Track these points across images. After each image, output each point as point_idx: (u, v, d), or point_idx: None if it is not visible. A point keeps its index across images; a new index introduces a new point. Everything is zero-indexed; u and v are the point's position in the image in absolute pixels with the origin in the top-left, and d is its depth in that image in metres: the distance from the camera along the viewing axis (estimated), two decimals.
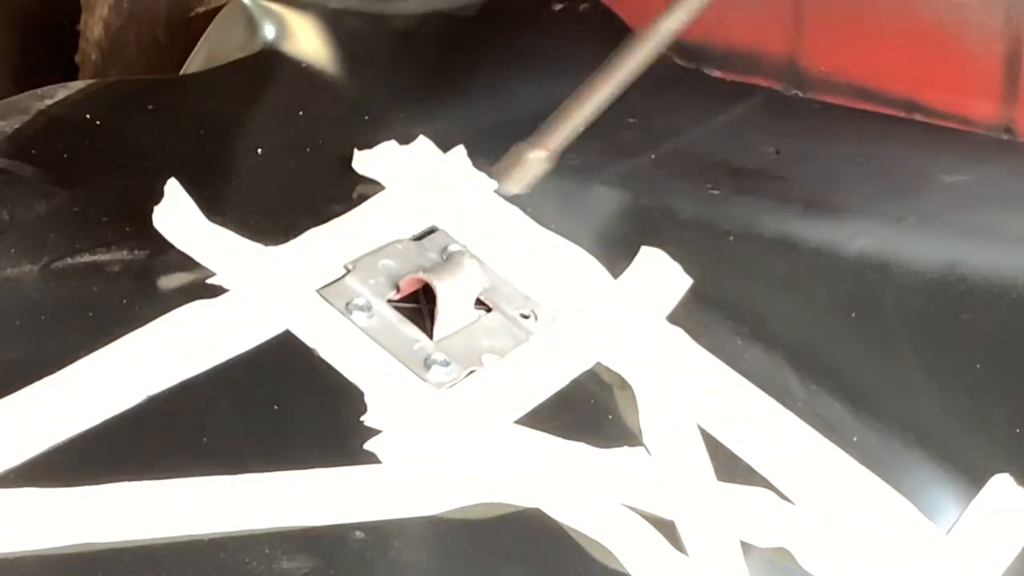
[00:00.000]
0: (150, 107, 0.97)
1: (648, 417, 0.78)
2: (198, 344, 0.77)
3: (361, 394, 0.76)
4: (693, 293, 0.86)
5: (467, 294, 0.82)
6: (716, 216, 0.94)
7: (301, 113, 0.99)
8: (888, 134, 1.01)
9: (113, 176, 0.91)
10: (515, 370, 0.80)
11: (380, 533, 0.69)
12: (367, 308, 0.82)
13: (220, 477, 0.70)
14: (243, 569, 0.66)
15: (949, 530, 0.75)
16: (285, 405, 0.75)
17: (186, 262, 0.83)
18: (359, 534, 0.69)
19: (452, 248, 0.87)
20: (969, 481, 0.78)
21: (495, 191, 0.91)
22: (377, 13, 1.08)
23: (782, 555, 0.73)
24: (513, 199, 0.92)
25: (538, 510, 0.72)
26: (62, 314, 0.79)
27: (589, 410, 0.79)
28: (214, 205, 0.87)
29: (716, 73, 1.07)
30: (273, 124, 0.98)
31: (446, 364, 0.79)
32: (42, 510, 0.67)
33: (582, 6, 1.12)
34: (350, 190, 0.91)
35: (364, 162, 0.93)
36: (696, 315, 0.85)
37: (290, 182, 0.93)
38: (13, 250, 0.82)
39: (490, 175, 0.90)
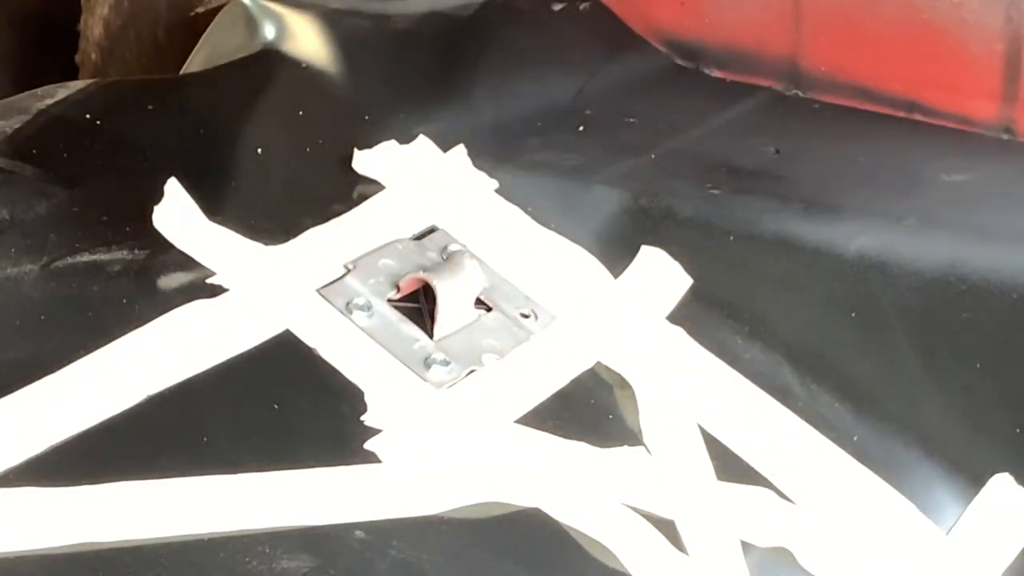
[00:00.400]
0: (150, 107, 0.97)
1: (648, 417, 0.78)
2: (198, 344, 0.77)
3: (361, 393, 0.76)
4: (693, 293, 0.87)
5: (467, 294, 0.82)
6: (716, 216, 0.94)
7: (301, 113, 0.99)
8: (888, 134, 1.01)
9: (113, 176, 0.90)
10: (515, 370, 0.80)
11: (380, 533, 0.69)
12: (367, 308, 0.82)
13: (220, 477, 0.69)
14: (243, 569, 0.66)
15: (949, 530, 0.75)
16: (285, 405, 0.75)
17: (186, 262, 0.83)
18: (359, 534, 0.69)
19: (452, 248, 0.87)
20: (969, 481, 0.78)
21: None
22: (377, 13, 1.08)
23: (782, 555, 0.73)
24: (513, 199, 0.92)
25: (538, 510, 0.72)
26: (62, 314, 0.79)
27: (589, 410, 0.79)
28: (214, 205, 0.87)
29: (716, 73, 1.07)
30: (273, 124, 0.98)
31: (446, 364, 0.79)
32: (42, 510, 0.67)
33: (582, 6, 1.12)
34: (350, 190, 0.91)
35: (364, 162, 0.93)
36: (696, 315, 0.85)
37: (290, 182, 0.93)
38: (13, 250, 0.82)
39: None
